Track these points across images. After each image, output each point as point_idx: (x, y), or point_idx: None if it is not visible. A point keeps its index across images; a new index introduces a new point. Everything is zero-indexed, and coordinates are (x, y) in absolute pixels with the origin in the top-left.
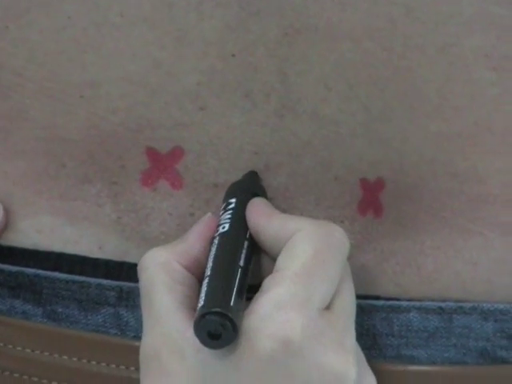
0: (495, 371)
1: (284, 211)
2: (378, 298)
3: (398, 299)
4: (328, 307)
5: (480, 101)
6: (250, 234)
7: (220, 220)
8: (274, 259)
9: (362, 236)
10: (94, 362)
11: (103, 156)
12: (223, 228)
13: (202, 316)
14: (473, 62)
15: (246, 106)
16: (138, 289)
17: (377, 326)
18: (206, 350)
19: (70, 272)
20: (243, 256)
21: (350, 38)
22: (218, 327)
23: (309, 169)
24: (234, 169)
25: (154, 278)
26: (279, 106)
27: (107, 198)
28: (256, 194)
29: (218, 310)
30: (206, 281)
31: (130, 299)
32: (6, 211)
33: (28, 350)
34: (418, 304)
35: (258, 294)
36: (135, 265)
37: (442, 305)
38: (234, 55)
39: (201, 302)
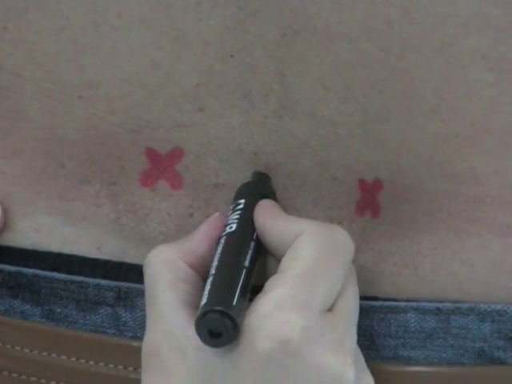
0: (492, 372)
1: None
2: (375, 298)
3: (395, 300)
4: (330, 308)
5: (477, 102)
6: (257, 235)
7: (228, 220)
8: (279, 261)
9: (359, 236)
10: (92, 362)
11: (102, 156)
12: (230, 228)
13: (204, 314)
14: (470, 63)
15: (244, 106)
16: (136, 289)
17: (374, 326)
18: (207, 348)
19: (68, 272)
20: (249, 256)
21: (348, 39)
22: (219, 326)
23: (307, 169)
24: (234, 169)
25: (158, 275)
26: (277, 107)
27: (106, 199)
28: (265, 196)
29: (219, 308)
30: (210, 279)
31: (129, 299)
32: (5, 211)
33: (26, 350)
34: (415, 305)
35: (259, 294)
36: (134, 265)
37: (440, 305)
38: (232, 56)
39: (203, 300)
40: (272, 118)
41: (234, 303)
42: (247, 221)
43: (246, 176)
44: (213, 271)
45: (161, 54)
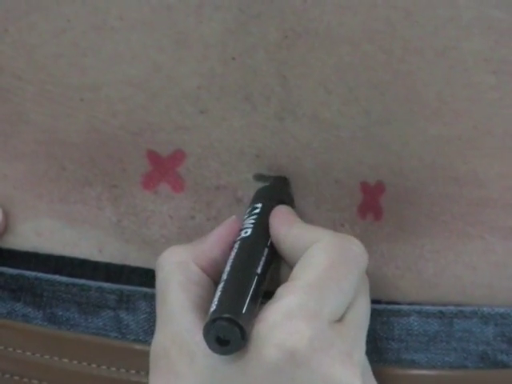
0: (496, 375)
1: None
2: (378, 301)
3: (398, 303)
4: (340, 319)
5: (480, 104)
6: (271, 242)
7: (243, 224)
8: (292, 268)
9: (361, 239)
10: (94, 365)
11: (104, 159)
12: (245, 233)
13: (212, 321)
14: (472, 66)
15: (246, 108)
16: (138, 292)
17: (377, 330)
18: (215, 354)
19: (70, 275)
20: (262, 263)
21: (350, 42)
22: (227, 333)
23: (309, 171)
24: (236, 172)
25: (170, 277)
26: (279, 109)
27: (107, 201)
28: (282, 201)
29: (228, 315)
30: (221, 285)
31: (131, 302)
32: (6, 214)
33: (28, 353)
34: (418, 308)
35: (269, 302)
36: (135, 268)
37: (443, 309)
38: (234, 58)
39: (213, 307)
40: (274, 120)
41: (244, 311)
42: (262, 226)
43: (248, 178)
44: (224, 277)
45: (162, 56)
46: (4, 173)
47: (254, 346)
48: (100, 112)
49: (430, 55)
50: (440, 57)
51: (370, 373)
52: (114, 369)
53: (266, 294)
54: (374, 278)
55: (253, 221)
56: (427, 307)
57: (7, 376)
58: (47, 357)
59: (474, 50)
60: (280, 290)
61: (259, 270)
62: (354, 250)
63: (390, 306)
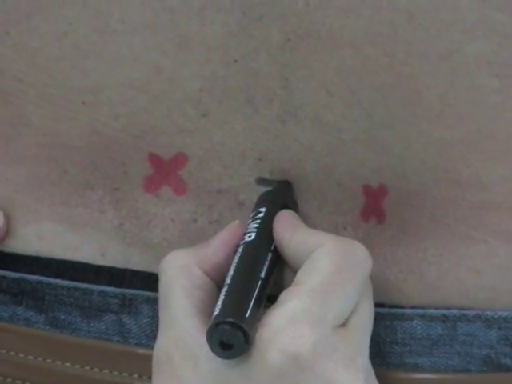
0: (499, 379)
1: None
2: (381, 305)
3: (401, 307)
4: (344, 324)
5: (483, 107)
6: (275, 246)
7: (247, 228)
8: (296, 273)
9: (364, 243)
10: (96, 369)
11: (105, 162)
12: (249, 237)
13: (216, 325)
14: (475, 69)
15: (248, 111)
16: (140, 296)
17: (380, 333)
18: (218, 358)
19: (72, 279)
20: (265, 268)
21: (352, 44)
22: (231, 337)
23: (311, 175)
24: (237, 175)
25: (173, 281)
26: (281, 112)
27: (109, 205)
28: (286, 205)
29: (231, 320)
30: (224, 289)
31: (133, 306)
32: (8, 218)
33: (30, 357)
34: (421, 311)
35: (273, 306)
36: (138, 272)
37: (446, 312)
38: (236, 61)
39: (216, 311)
40: (276, 123)
41: (247, 315)
42: (266, 231)
43: (250, 182)
44: (228, 281)
45: (164, 59)
46: (5, 176)
47: (258, 350)
48: (102, 115)
49: (433, 58)
50: (443, 60)
51: (374, 377)
52: (116, 373)
53: (269, 298)
54: (377, 282)
55: (256, 225)
56: (430, 311)
57: (9, 380)
58: (49, 361)
59: (477, 53)
60: (284, 295)
61: (263, 275)
62: (358, 255)
63: (393, 310)
